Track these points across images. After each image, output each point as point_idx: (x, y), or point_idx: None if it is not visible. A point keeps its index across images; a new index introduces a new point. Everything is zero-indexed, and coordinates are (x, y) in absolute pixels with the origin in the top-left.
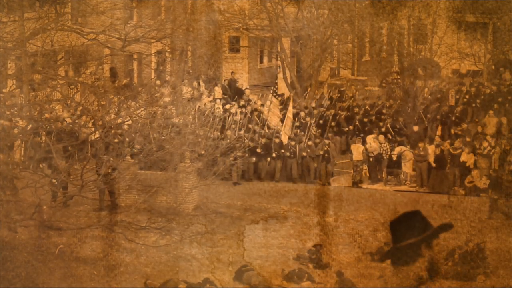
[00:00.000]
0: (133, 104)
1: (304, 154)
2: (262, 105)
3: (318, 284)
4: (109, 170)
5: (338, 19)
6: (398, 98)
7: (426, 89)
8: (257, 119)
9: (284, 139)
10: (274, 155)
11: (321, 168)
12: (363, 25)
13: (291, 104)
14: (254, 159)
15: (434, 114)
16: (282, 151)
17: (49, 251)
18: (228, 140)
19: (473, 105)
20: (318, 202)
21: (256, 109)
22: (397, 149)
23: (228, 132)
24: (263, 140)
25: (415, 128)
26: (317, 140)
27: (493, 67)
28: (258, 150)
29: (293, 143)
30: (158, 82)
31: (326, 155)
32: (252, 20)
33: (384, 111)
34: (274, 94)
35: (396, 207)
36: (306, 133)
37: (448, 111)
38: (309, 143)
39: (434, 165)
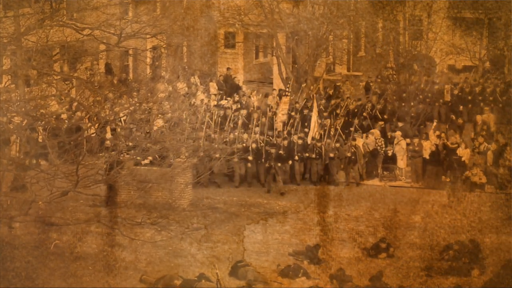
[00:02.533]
0: (128, 100)
1: (332, 155)
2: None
3: (314, 280)
4: (105, 166)
5: (334, 15)
6: (393, 94)
7: (421, 85)
8: (265, 120)
9: (309, 140)
10: (296, 157)
11: (349, 170)
12: (358, 20)
13: (315, 103)
14: (279, 164)
15: (429, 109)
16: (307, 154)
17: (49, 250)
18: (245, 144)
19: (469, 100)
20: (318, 202)
21: (260, 108)
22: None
23: (245, 136)
24: (285, 142)
25: (400, 124)
26: (338, 143)
27: (488, 63)
28: (281, 152)
29: (319, 144)
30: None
31: (353, 157)
32: (248, 15)
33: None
34: (285, 93)
35: (396, 206)
36: (326, 132)
37: (444, 106)
38: (337, 145)
39: (428, 157)
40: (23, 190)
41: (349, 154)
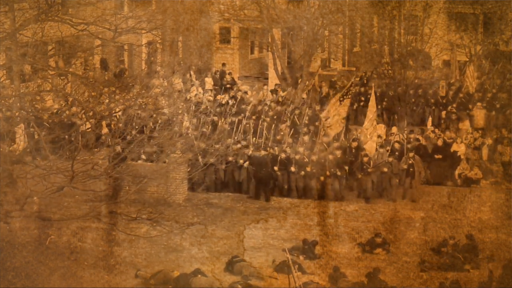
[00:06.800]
0: (123, 95)
1: (385, 170)
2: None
3: (309, 276)
4: (100, 161)
5: (330, 10)
6: (388, 89)
7: (416, 80)
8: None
9: (371, 148)
10: (328, 173)
11: (406, 185)
12: (355, 17)
13: (373, 96)
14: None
15: (424, 104)
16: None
17: (49, 250)
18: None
19: (464, 95)
20: (318, 201)
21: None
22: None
23: (300, 149)
24: (331, 157)
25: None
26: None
27: (483, 58)
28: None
29: (375, 157)
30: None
31: (411, 169)
32: (243, 11)
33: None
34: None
35: (396, 206)
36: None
37: (439, 101)
38: (390, 159)
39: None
40: (17, 185)
41: (405, 166)
